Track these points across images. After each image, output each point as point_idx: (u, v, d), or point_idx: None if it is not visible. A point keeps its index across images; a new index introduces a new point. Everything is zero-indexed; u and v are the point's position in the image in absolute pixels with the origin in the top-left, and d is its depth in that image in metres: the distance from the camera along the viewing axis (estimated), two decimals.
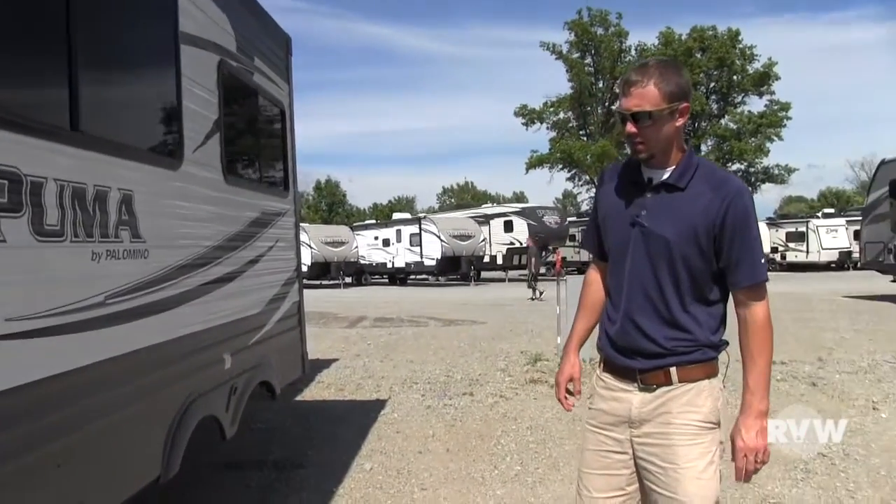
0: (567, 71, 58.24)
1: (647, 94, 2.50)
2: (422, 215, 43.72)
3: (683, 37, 56.11)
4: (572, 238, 41.90)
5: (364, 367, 11.45)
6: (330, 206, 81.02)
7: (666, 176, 2.62)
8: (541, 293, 24.54)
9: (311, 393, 9.74)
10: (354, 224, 50.21)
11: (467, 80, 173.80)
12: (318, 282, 39.49)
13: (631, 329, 2.69)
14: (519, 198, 77.11)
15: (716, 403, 2.64)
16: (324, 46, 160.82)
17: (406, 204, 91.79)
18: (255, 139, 5.86)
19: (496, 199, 70.90)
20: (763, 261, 2.57)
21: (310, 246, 37.68)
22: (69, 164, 3.08)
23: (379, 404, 8.81)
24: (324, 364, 11.92)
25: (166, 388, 3.89)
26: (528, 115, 57.93)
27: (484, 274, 41.39)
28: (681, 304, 2.61)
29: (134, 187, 3.58)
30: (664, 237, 2.57)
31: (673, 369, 2.61)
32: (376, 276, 42.51)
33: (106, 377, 3.29)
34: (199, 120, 4.44)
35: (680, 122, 2.58)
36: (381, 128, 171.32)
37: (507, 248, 39.10)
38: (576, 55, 58.30)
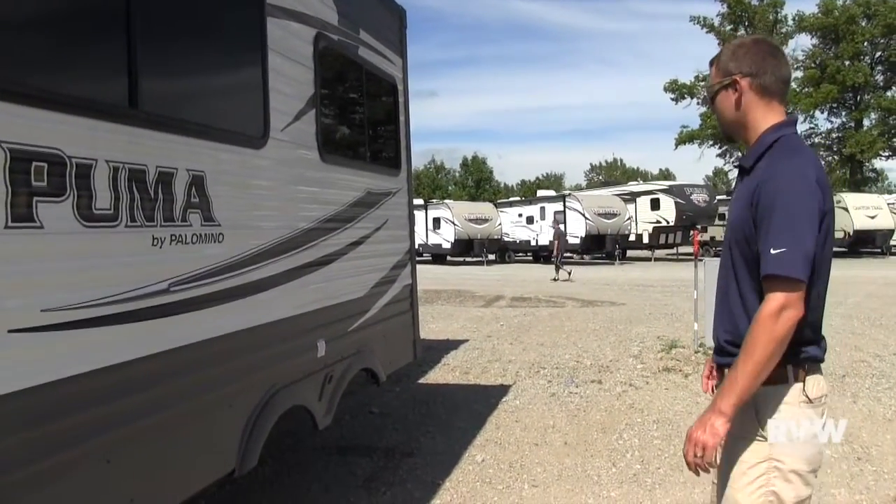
0: (719, 44, 55.42)
1: (711, 75, 2.53)
2: (566, 192, 42.88)
3: (847, 1, 52.08)
4: (721, 217, 40.05)
5: (493, 350, 11.15)
6: (477, 182, 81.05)
7: (743, 158, 2.52)
8: (569, 273, 25.50)
9: (435, 376, 9.54)
10: (499, 201, 49.93)
11: (616, 55, 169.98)
12: (461, 259, 39.56)
13: (713, 320, 2.63)
14: (666, 175, 74.69)
15: (749, 418, 2.38)
16: (473, 22, 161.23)
17: (554, 181, 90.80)
18: (360, 116, 5.62)
19: (644, 177, 68.89)
20: (778, 252, 2.21)
21: (453, 223, 37.75)
22: (125, 145, 2.90)
23: (502, 390, 8.50)
24: (453, 345, 11.72)
25: (243, 379, 3.70)
26: (679, 90, 55.63)
27: (629, 253, 40.24)
28: (739, 296, 2.44)
29: (206, 168, 3.38)
30: (728, 224, 2.50)
31: (726, 370, 2.44)
32: (520, 254, 42.11)
33: (169, 368, 3.12)
34: (289, 97, 4.22)
35: (736, 96, 2.46)
36: (530, 104, 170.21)
37: (654, 227, 37.78)
38: (728, 27, 55.48)
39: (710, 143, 56.07)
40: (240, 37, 3.89)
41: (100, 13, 2.92)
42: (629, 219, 37.34)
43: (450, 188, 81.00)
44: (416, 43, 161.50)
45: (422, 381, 9.31)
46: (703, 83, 54.59)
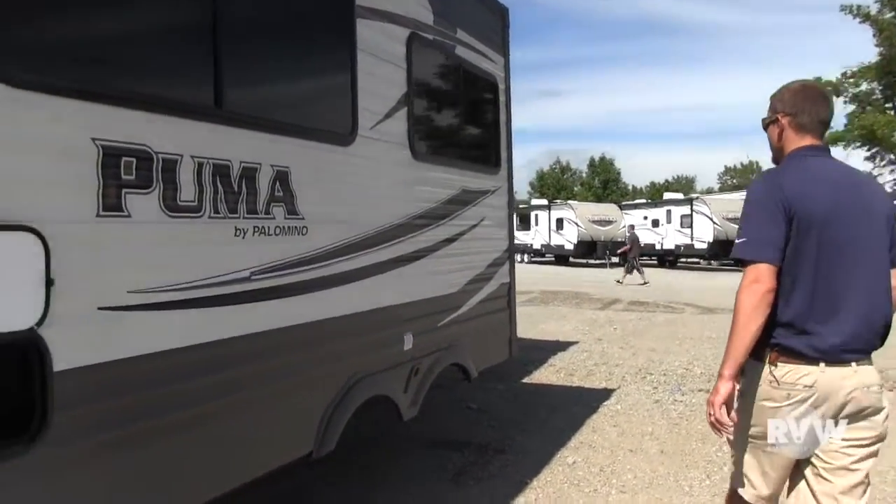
0: (875, 35, 51.85)
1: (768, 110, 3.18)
2: (694, 196, 41.70)
3: None
4: None
5: (601, 353, 11.05)
6: (604, 183, 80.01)
7: None
8: (641, 282, 24.64)
9: (539, 376, 9.55)
10: (624, 203, 49.13)
11: (754, 52, 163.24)
12: (583, 261, 39.18)
13: None
14: None
15: (746, 381, 2.96)
16: (603, 20, 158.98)
17: (685, 183, 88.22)
18: (456, 115, 5.70)
19: None
20: (738, 241, 2.90)
21: (576, 224, 37.45)
22: (210, 142, 3.09)
23: (604, 394, 8.42)
24: (561, 346, 11.68)
25: (325, 366, 3.86)
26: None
27: None
28: None
29: (291, 164, 3.55)
30: None
31: None
32: (644, 257, 41.35)
33: (249, 351, 3.29)
34: (379, 95, 4.35)
35: (778, 130, 3.09)
36: (662, 103, 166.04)
37: None
38: (889, 14, 51.78)
39: (857, 144, 52.81)
40: (328, 38, 4.05)
41: (188, 17, 3.12)
42: None
43: (575, 189, 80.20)
44: (541, 42, 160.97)
45: (525, 380, 9.33)
46: (850, 80, 51.63)
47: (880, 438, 2.88)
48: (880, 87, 53.35)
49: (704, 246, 34.53)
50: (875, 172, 64.41)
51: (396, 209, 4.51)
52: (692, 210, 35.43)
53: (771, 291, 2.77)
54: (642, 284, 24.39)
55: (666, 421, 7.25)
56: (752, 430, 2.96)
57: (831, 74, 53.54)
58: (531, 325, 14.38)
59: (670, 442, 6.56)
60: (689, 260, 39.41)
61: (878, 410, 2.85)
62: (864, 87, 53.71)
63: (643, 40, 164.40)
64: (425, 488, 5.37)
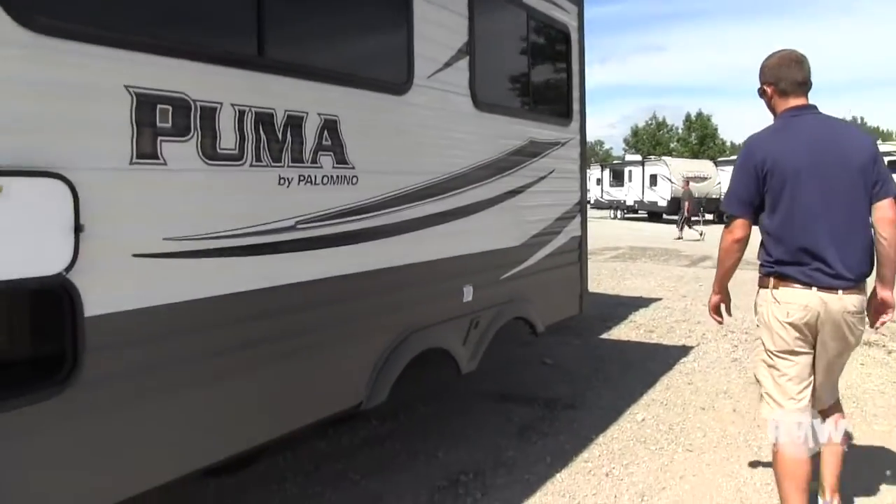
0: None
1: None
2: None
3: None
4: None
5: (684, 310, 10.77)
6: (701, 139, 77.62)
7: None
8: (701, 234, 25.21)
9: (619, 332, 9.38)
10: (719, 159, 47.59)
11: (859, 2, 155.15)
12: (677, 217, 38.26)
13: None
14: None
15: (759, 307, 3.66)
16: None
17: None
18: (524, 65, 5.52)
19: (887, 137, 62.92)
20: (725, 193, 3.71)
21: (670, 180, 36.56)
22: (252, 90, 3.06)
23: (683, 351, 8.22)
24: (644, 303, 11.45)
25: (376, 317, 3.84)
26: None
27: None
28: None
29: (340, 112, 3.51)
30: None
31: None
32: None
33: (296, 300, 3.30)
34: (438, 43, 4.26)
35: (767, 98, 3.70)
36: (758, 59, 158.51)
37: None
38: None
39: None
40: None
41: None
42: None
43: (671, 145, 78.14)
44: None
45: (604, 335, 9.18)
46: None
47: (857, 344, 3.62)
48: None
49: None
50: None
51: (456, 160, 4.43)
52: None
53: (739, 240, 3.57)
54: (698, 239, 24.60)
55: (742, 380, 7.01)
56: (767, 351, 3.62)
57: None
58: (616, 280, 14.15)
59: (744, 401, 6.35)
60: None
61: (855, 332, 3.50)
62: None
63: None
64: (489, 441, 5.35)
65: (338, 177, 3.50)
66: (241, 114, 2.99)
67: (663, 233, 28.60)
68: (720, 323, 4.04)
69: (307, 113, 3.32)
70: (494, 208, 4.85)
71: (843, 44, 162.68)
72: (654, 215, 39.23)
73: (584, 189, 6.36)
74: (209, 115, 2.86)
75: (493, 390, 6.56)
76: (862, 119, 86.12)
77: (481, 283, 4.73)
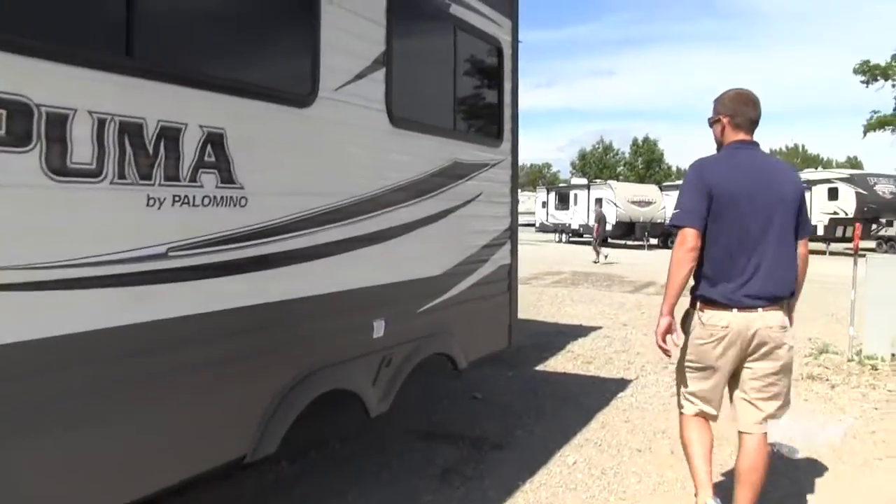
0: None
1: (712, 111, 4.12)
2: None
3: None
4: None
5: (624, 339, 10.50)
6: (647, 163, 78.58)
7: None
8: (605, 256, 26.14)
9: (555, 363, 9.05)
10: (664, 184, 47.98)
11: (802, 34, 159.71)
12: (622, 242, 38.38)
13: None
14: (854, 164, 69.18)
15: (685, 325, 4.01)
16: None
17: None
18: (449, 81, 5.15)
19: (827, 165, 64.17)
20: (673, 212, 3.87)
21: (615, 204, 36.69)
22: (115, 96, 2.64)
23: (620, 385, 7.91)
24: (583, 332, 11.16)
25: (266, 357, 3.42)
26: (870, 72, 50.67)
27: None
28: None
29: (227, 125, 3.10)
30: None
31: None
32: None
33: (161, 339, 2.87)
34: (349, 53, 3.88)
35: (720, 127, 4.03)
36: (705, 84, 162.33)
37: (830, 218, 34.73)
38: None
39: None
40: None
41: None
42: None
43: (618, 169, 78.96)
44: (595, 21, 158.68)
45: (539, 367, 8.84)
46: None
47: (785, 367, 3.85)
48: None
49: None
50: None
51: (367, 181, 4.04)
52: None
53: (694, 249, 3.73)
54: (603, 262, 25.52)
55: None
56: (689, 362, 4.01)
57: (881, 57, 51.74)
58: (556, 307, 13.88)
59: None
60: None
61: (780, 345, 3.78)
62: None
63: (694, 21, 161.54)
64: (406, 485, 4.95)
65: (222, 198, 3.08)
66: (102, 123, 2.57)
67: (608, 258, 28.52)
68: (668, 355, 4.01)
69: (186, 125, 2.91)
70: (412, 234, 4.47)
71: (785, 73, 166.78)
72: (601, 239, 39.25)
73: (514, 214, 6.00)
74: (58, 122, 2.43)
75: (418, 427, 6.17)
76: (803, 147, 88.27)
77: (395, 316, 4.34)
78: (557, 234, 43.66)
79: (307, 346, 3.65)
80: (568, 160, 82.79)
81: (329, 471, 5.17)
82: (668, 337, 3.87)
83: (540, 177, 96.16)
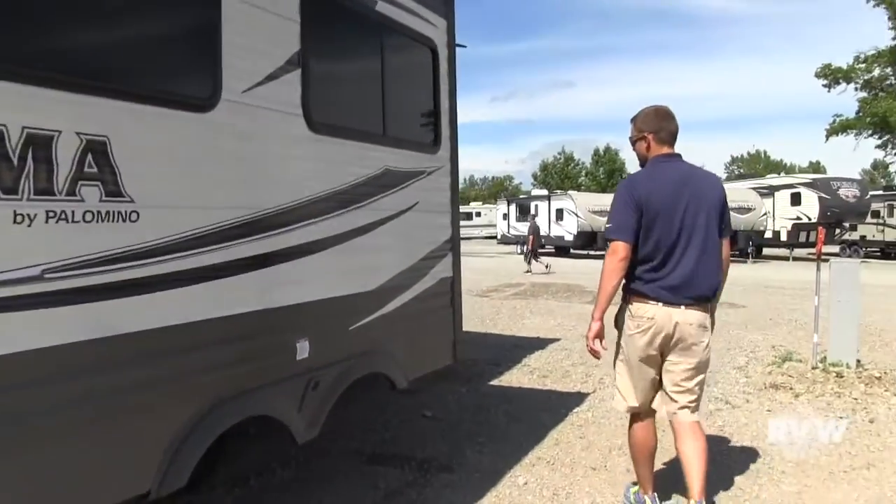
0: (890, 18, 49.95)
1: (631, 130, 4.51)
2: None
3: None
4: (875, 214, 36.74)
5: (582, 352, 10.20)
6: (609, 173, 78.92)
7: None
8: (547, 266, 26.22)
9: (510, 377, 8.77)
10: None
11: (760, 40, 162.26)
12: (584, 252, 38.31)
13: None
14: (816, 168, 70.00)
15: (619, 320, 4.38)
16: (605, 9, 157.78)
17: None
18: (377, 83, 4.85)
19: (790, 170, 64.76)
20: (605, 226, 4.26)
21: (576, 214, 36.66)
22: None
23: (577, 399, 7.66)
24: (540, 344, 10.91)
25: (169, 385, 3.10)
26: (832, 76, 50.98)
27: (765, 251, 37.59)
28: None
29: (111, 132, 2.80)
30: None
31: None
32: None
33: (41, 371, 2.55)
34: (257, 52, 3.59)
35: (646, 144, 4.34)
36: (668, 93, 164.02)
37: (793, 223, 34.81)
38: None
39: (869, 133, 51.05)
40: None
41: None
42: (765, 214, 34.91)
43: (580, 180, 79.28)
44: (553, 33, 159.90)
45: (494, 382, 8.57)
46: (862, 65, 49.87)
47: (701, 363, 4.21)
48: (894, 73, 51.85)
49: None
50: (887, 160, 62.87)
51: (284, 191, 3.76)
52: None
53: (624, 260, 4.06)
54: (546, 271, 25.65)
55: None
56: (622, 355, 4.36)
57: (842, 61, 52.20)
58: (513, 320, 13.64)
59: None
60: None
61: (698, 343, 4.12)
62: (876, 72, 52.27)
63: (653, 31, 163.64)
64: None
65: (108, 213, 2.78)
66: None
67: (567, 269, 28.43)
68: (598, 357, 4.32)
69: (59, 132, 2.61)
70: (338, 248, 4.18)
71: (746, 80, 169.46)
72: (562, 250, 39.28)
73: (456, 224, 5.72)
74: None
75: (364, 448, 5.90)
76: (765, 153, 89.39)
77: (322, 336, 4.05)
78: (519, 246, 43.48)
79: (216, 373, 3.34)
80: (530, 172, 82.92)
81: (268, 498, 4.88)
82: (597, 341, 4.21)
83: (502, 189, 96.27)
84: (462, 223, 36.27)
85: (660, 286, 4.08)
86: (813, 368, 8.65)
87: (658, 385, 4.34)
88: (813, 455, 5.83)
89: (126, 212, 2.85)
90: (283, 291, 3.75)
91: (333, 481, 5.21)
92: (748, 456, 5.89)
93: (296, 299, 3.84)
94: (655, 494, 4.54)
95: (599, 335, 4.20)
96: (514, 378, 8.74)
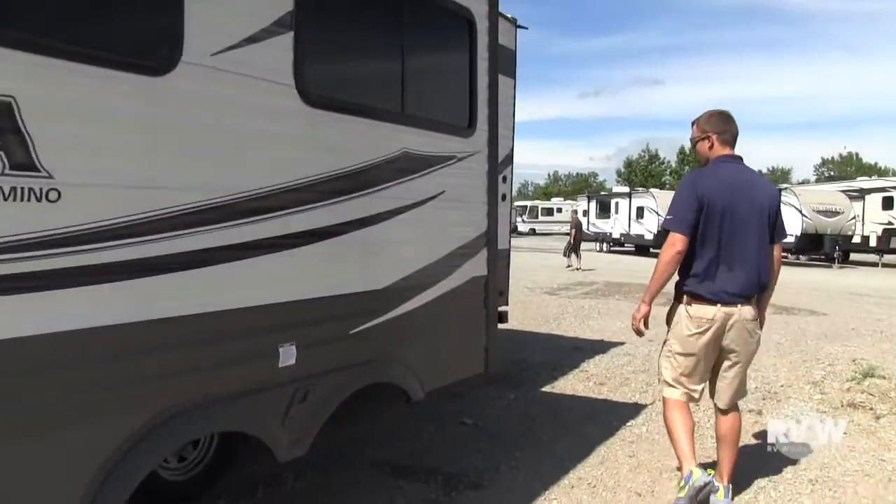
0: None
1: (694, 130, 4.71)
2: (784, 186, 39.02)
3: None
4: None
5: (645, 358, 9.52)
6: None
7: None
8: (577, 266, 25.69)
9: (564, 384, 8.15)
10: None
11: (857, 39, 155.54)
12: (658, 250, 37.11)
13: None
14: None
15: (673, 318, 4.66)
16: (699, 6, 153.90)
17: (780, 175, 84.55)
18: (397, 53, 4.23)
19: (883, 173, 61.90)
20: (666, 218, 4.46)
21: (657, 213, 35.57)
22: None
23: (633, 410, 7.01)
24: (602, 348, 10.24)
25: (100, 396, 2.61)
26: None
27: (853, 256, 35.78)
28: None
29: (20, 93, 2.31)
30: None
31: None
32: None
33: None
34: (233, 9, 3.08)
35: (709, 144, 4.55)
36: (759, 93, 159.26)
37: (884, 229, 32.96)
38: None
39: None
40: None
41: None
42: (854, 218, 33.19)
43: (664, 178, 77.34)
44: (641, 29, 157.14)
45: (546, 388, 7.96)
46: None
47: (751, 353, 4.55)
48: None
49: (792, 239, 32.17)
50: None
51: (268, 172, 3.24)
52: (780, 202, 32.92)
53: (681, 253, 4.25)
54: (577, 269, 25.33)
55: (698, 452, 5.79)
56: (677, 349, 4.53)
57: None
58: (579, 320, 12.98)
59: None
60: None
61: (752, 335, 4.45)
62: None
63: (744, 28, 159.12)
64: None
65: (15, 190, 2.30)
66: None
67: (646, 267, 27.40)
68: (641, 335, 4.70)
69: None
70: (337, 240, 3.65)
71: (839, 80, 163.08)
72: (642, 249, 38.26)
73: (493, 217, 5.11)
74: None
75: (391, 459, 5.42)
76: (857, 155, 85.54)
77: (313, 340, 3.52)
78: (598, 243, 42.53)
79: (170, 380, 2.84)
80: (614, 169, 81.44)
81: None
82: (642, 321, 4.57)
83: (585, 186, 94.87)
84: (543, 219, 35.79)
85: (717, 286, 4.31)
86: None
87: (708, 376, 4.64)
88: (893, 490, 5.08)
89: (43, 189, 2.37)
90: (261, 288, 3.24)
91: (347, 494, 4.74)
92: (821, 483, 5.18)
93: (279, 297, 3.32)
94: (701, 469, 4.55)
95: (646, 318, 4.54)
96: (569, 384, 8.11)
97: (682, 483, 4.42)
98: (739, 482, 4.98)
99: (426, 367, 4.42)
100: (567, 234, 29.29)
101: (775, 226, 4.44)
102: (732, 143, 4.50)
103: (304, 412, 3.50)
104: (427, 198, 4.35)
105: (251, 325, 3.19)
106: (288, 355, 3.36)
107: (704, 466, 4.63)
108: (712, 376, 4.64)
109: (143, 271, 2.70)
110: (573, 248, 26.64)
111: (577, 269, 25.39)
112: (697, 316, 4.37)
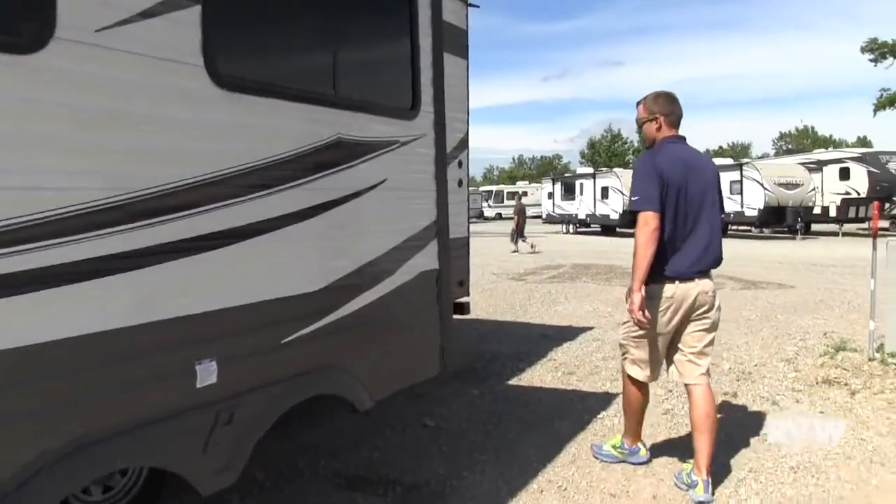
0: None
1: (640, 111, 4.73)
2: (744, 161, 39.17)
3: None
4: None
5: (615, 343, 9.08)
6: None
7: None
8: (532, 245, 25.81)
9: (532, 375, 7.78)
10: None
11: (809, 16, 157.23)
12: (630, 231, 36.99)
13: None
14: (864, 143, 67.29)
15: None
16: None
17: (740, 150, 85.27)
18: (329, 31, 3.82)
19: (838, 145, 62.56)
20: (631, 198, 4.42)
21: (621, 192, 35.47)
22: None
23: (604, 401, 6.68)
24: (571, 334, 9.90)
25: None
26: (879, 50, 48.91)
27: (814, 227, 36.19)
28: None
29: None
30: None
31: None
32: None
33: None
34: None
35: (657, 125, 4.61)
36: (716, 71, 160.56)
37: (842, 199, 33.54)
38: None
39: None
40: None
41: None
42: (813, 189, 33.52)
43: (627, 157, 77.51)
44: (602, 11, 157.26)
45: (512, 381, 7.58)
46: None
47: (714, 323, 4.60)
48: None
49: (755, 213, 32.35)
50: None
51: (165, 167, 2.80)
52: (741, 176, 33.13)
53: (657, 230, 4.26)
54: (519, 252, 25.34)
55: (677, 444, 5.48)
56: (638, 332, 4.61)
57: (888, 36, 50.01)
58: (546, 306, 12.64)
59: (670, 479, 4.80)
60: (740, 227, 37.09)
61: (712, 307, 4.54)
62: None
63: (702, 8, 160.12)
64: None
65: None
66: None
67: (612, 247, 27.30)
68: (646, 325, 4.42)
69: None
70: (259, 240, 3.22)
71: (794, 56, 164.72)
72: (608, 229, 38.22)
73: (443, 205, 4.71)
74: None
75: (346, 470, 5.03)
76: (813, 128, 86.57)
77: (237, 354, 3.11)
78: (564, 225, 42.46)
79: (61, 410, 2.42)
80: (578, 151, 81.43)
81: None
82: (641, 311, 4.34)
83: (550, 168, 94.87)
84: (509, 203, 35.64)
85: (675, 264, 4.40)
86: (870, 360, 7.57)
87: (670, 353, 4.68)
88: (874, 470, 4.84)
89: None
90: (165, 300, 2.81)
91: None
92: (803, 470, 4.91)
93: (189, 309, 2.90)
94: (640, 445, 5.07)
95: (643, 306, 4.33)
96: (537, 376, 7.76)
97: (621, 447, 5.03)
98: (718, 473, 4.71)
99: (373, 373, 4.02)
100: (539, 216, 29.27)
101: (720, 197, 4.61)
102: (678, 125, 4.61)
103: (231, 435, 3.09)
104: (366, 187, 3.94)
105: (158, 342, 2.76)
106: (207, 373, 2.95)
107: (683, 460, 4.75)
108: (677, 353, 4.64)
109: (10, 287, 2.26)
110: (518, 233, 26.80)
111: (531, 250, 25.51)
112: (656, 296, 4.43)
